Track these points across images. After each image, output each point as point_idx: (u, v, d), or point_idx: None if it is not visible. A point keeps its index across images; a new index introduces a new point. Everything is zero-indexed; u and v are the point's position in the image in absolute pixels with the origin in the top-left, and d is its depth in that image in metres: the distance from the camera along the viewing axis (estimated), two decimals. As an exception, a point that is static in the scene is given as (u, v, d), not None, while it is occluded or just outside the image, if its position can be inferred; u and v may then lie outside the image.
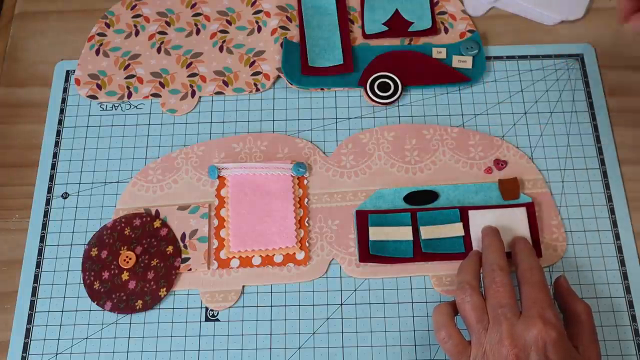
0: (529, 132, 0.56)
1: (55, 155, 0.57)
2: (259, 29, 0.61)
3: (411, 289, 0.51)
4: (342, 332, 0.50)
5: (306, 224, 0.53)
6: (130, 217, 0.53)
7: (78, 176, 0.56)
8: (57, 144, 0.57)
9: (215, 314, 0.51)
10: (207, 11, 0.62)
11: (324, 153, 0.56)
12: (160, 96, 0.58)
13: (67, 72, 0.60)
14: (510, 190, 0.53)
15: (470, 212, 0.52)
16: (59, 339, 0.50)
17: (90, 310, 0.51)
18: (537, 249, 0.51)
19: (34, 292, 0.52)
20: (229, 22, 0.62)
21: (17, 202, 0.55)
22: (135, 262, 0.51)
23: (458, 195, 0.53)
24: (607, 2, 0.63)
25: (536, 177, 0.54)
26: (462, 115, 0.57)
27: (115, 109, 0.58)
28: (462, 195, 0.53)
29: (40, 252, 0.53)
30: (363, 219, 0.52)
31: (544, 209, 0.53)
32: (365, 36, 0.60)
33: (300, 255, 0.52)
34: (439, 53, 0.59)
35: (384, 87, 0.57)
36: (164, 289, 0.51)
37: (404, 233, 0.51)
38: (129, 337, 0.50)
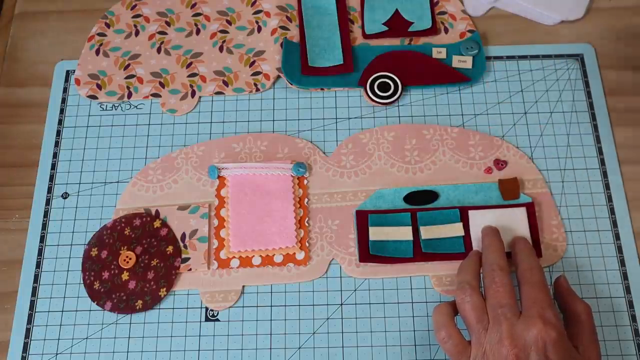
0: (529, 132, 0.56)
1: (55, 155, 0.57)
2: (259, 29, 0.61)
3: (411, 289, 0.51)
4: (342, 332, 0.50)
5: (306, 224, 0.53)
6: (130, 217, 0.53)
7: (78, 176, 0.56)
8: (57, 144, 0.57)
9: (215, 314, 0.51)
10: (207, 11, 0.62)
11: (324, 153, 0.56)
12: (160, 96, 0.58)
13: (67, 72, 0.60)
14: (510, 190, 0.53)
15: (470, 212, 0.52)
16: (59, 339, 0.50)
17: (90, 310, 0.51)
18: (537, 249, 0.51)
19: (34, 292, 0.52)
20: (229, 22, 0.62)
21: (17, 202, 0.55)
22: (135, 262, 0.51)
23: (458, 195, 0.53)
24: (607, 2, 0.63)
25: (536, 177, 0.54)
26: (462, 115, 0.57)
27: (115, 109, 0.58)
28: (462, 195, 0.53)
29: (40, 252, 0.53)
30: (363, 219, 0.52)
31: (544, 209, 0.53)
32: (365, 36, 0.60)
33: (300, 255, 0.52)
34: (439, 53, 0.59)
35: (384, 87, 0.57)
36: (164, 289, 0.51)
37: (404, 233, 0.51)
38: (129, 337, 0.50)
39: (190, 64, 0.60)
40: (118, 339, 0.50)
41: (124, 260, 0.51)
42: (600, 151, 0.56)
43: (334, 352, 0.49)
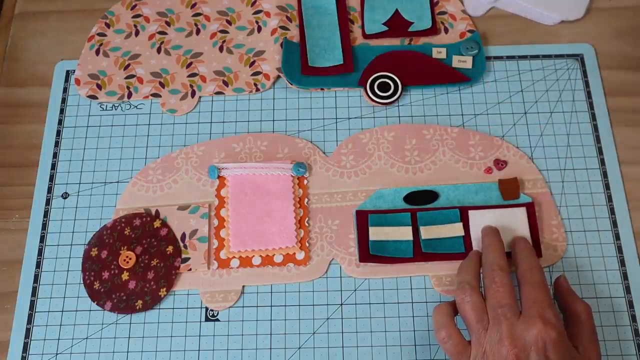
0: (529, 132, 0.56)
1: (55, 155, 0.57)
2: (259, 29, 0.61)
3: (411, 289, 0.51)
4: (342, 332, 0.50)
5: (306, 224, 0.53)
6: (130, 217, 0.53)
7: (78, 176, 0.56)
8: (57, 144, 0.57)
9: (215, 314, 0.51)
10: (207, 11, 0.62)
11: (324, 153, 0.56)
12: (160, 96, 0.58)
13: (67, 72, 0.60)
14: (510, 190, 0.53)
15: (470, 212, 0.52)
16: (59, 339, 0.50)
17: (90, 310, 0.51)
18: (537, 249, 0.51)
19: (34, 292, 0.52)
20: (229, 22, 0.62)
21: (17, 202, 0.55)
22: (135, 262, 0.51)
23: (458, 195, 0.53)
24: (607, 2, 0.63)
25: (536, 177, 0.54)
26: (462, 115, 0.57)
27: (115, 109, 0.58)
28: (462, 195, 0.53)
29: (40, 252, 0.53)
30: (363, 219, 0.52)
31: (544, 209, 0.53)
32: (365, 36, 0.60)
33: (300, 255, 0.52)
34: (439, 53, 0.59)
35: (384, 87, 0.57)
36: (164, 289, 0.51)
37: (404, 233, 0.51)
38: (129, 337, 0.50)
39: (190, 64, 0.60)
40: (118, 339, 0.50)
41: (124, 260, 0.51)
42: (600, 151, 0.56)
43: (334, 352, 0.49)
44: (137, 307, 0.50)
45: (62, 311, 0.51)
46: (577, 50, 0.60)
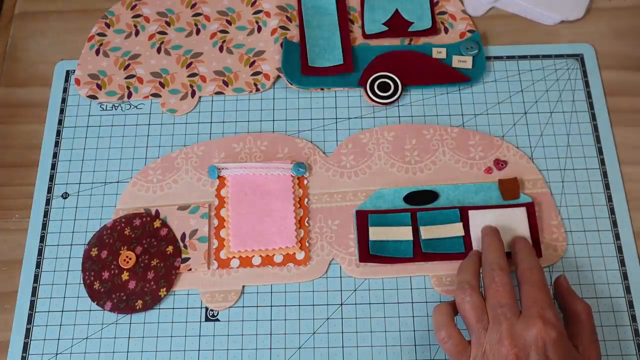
0: (529, 132, 0.56)
1: (55, 155, 0.57)
2: (259, 29, 0.61)
3: (411, 289, 0.51)
4: (342, 332, 0.50)
5: (306, 224, 0.53)
6: (130, 217, 0.53)
7: (78, 176, 0.56)
8: (57, 144, 0.57)
9: (215, 314, 0.51)
10: (207, 11, 0.62)
11: (324, 153, 0.56)
12: (160, 96, 0.58)
13: (67, 72, 0.60)
14: (510, 190, 0.53)
15: (470, 212, 0.52)
16: (59, 339, 0.50)
17: (90, 310, 0.51)
18: (537, 249, 0.51)
19: (34, 292, 0.52)
20: (229, 22, 0.62)
21: (17, 202, 0.55)
22: (135, 262, 0.51)
23: (458, 195, 0.53)
24: (607, 2, 0.63)
25: (536, 177, 0.54)
26: (462, 115, 0.57)
27: (115, 109, 0.58)
28: (462, 195, 0.53)
29: (40, 252, 0.53)
30: (363, 219, 0.52)
31: (544, 209, 0.53)
32: (365, 36, 0.60)
33: (300, 255, 0.52)
34: (439, 53, 0.59)
35: (384, 87, 0.57)
36: (164, 289, 0.51)
37: (404, 233, 0.51)
38: (129, 337, 0.50)
39: (190, 64, 0.60)
40: (118, 339, 0.50)
41: (124, 260, 0.51)
42: (600, 151, 0.56)
43: (334, 352, 0.49)
44: (137, 307, 0.50)
45: (62, 311, 0.51)
46: (577, 50, 0.60)
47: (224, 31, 0.61)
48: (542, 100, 0.58)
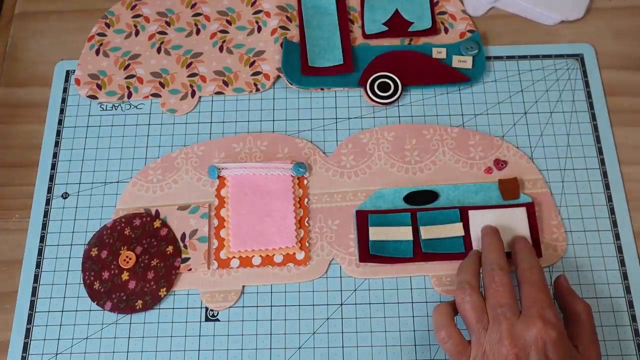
0: (529, 132, 0.56)
1: (55, 155, 0.57)
2: (259, 29, 0.61)
3: (411, 289, 0.51)
4: (342, 332, 0.50)
5: (306, 224, 0.53)
6: (130, 217, 0.53)
7: (78, 176, 0.56)
8: (57, 144, 0.57)
9: (215, 314, 0.51)
10: (207, 11, 0.62)
11: (324, 153, 0.56)
12: (160, 96, 0.58)
13: (67, 72, 0.60)
14: (510, 190, 0.53)
15: (470, 212, 0.52)
16: (59, 339, 0.50)
17: (90, 310, 0.51)
18: (537, 249, 0.51)
19: (34, 292, 0.52)
20: (229, 22, 0.62)
21: (17, 202, 0.55)
22: (135, 262, 0.51)
23: (458, 195, 0.53)
24: (607, 2, 0.63)
25: (536, 177, 0.54)
26: (462, 115, 0.57)
27: (115, 109, 0.58)
28: (462, 195, 0.53)
29: (40, 252, 0.53)
30: (363, 219, 0.52)
31: (544, 209, 0.53)
32: (365, 36, 0.60)
33: (300, 255, 0.52)
34: (439, 53, 0.59)
35: (384, 87, 0.57)
36: (164, 289, 0.51)
37: (404, 233, 0.51)
38: (129, 337, 0.50)
39: (190, 64, 0.60)
40: (118, 339, 0.50)
41: (124, 260, 0.51)
42: (600, 151, 0.56)
43: (334, 352, 0.49)
44: (137, 307, 0.50)
45: (62, 311, 0.51)
46: (577, 50, 0.60)
47: (224, 31, 0.61)
48: (542, 100, 0.58)
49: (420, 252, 0.51)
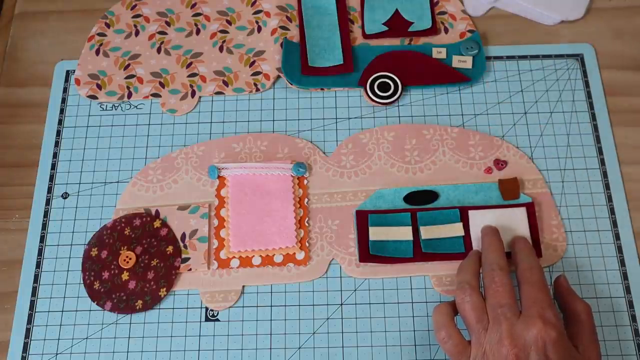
0: (529, 132, 0.56)
1: (55, 155, 0.57)
2: (259, 29, 0.61)
3: (411, 289, 0.51)
4: (342, 332, 0.50)
5: (306, 224, 0.53)
6: (130, 217, 0.53)
7: (78, 176, 0.56)
8: (57, 144, 0.57)
9: (215, 314, 0.51)
10: (207, 11, 0.62)
11: (324, 153, 0.56)
12: (160, 96, 0.58)
13: (67, 72, 0.60)
14: (510, 190, 0.53)
15: (470, 212, 0.52)
16: (59, 339, 0.50)
17: (90, 310, 0.51)
18: (537, 249, 0.51)
19: (34, 292, 0.52)
20: (229, 22, 0.62)
21: (17, 202, 0.55)
22: (135, 262, 0.51)
23: (458, 195, 0.53)
24: (607, 2, 0.63)
25: (536, 177, 0.54)
26: (462, 115, 0.57)
27: (115, 109, 0.58)
28: (462, 195, 0.53)
29: (40, 252, 0.53)
30: (363, 219, 0.52)
31: (544, 209, 0.53)
32: (365, 36, 0.60)
33: (300, 255, 0.52)
34: (439, 53, 0.59)
35: (384, 87, 0.57)
36: (164, 289, 0.51)
37: (404, 233, 0.51)
38: (129, 337, 0.50)
39: (190, 64, 0.60)
40: (118, 339, 0.50)
41: (124, 260, 0.51)
42: (600, 151, 0.56)
43: (334, 352, 0.49)
44: (137, 307, 0.50)
45: (62, 311, 0.51)
46: (577, 50, 0.60)
47: (224, 31, 0.61)
48: (542, 100, 0.58)
49: (420, 252, 0.51)
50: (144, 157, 0.56)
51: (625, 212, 0.53)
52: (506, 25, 0.62)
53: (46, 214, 0.54)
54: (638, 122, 0.57)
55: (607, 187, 0.54)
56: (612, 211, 0.53)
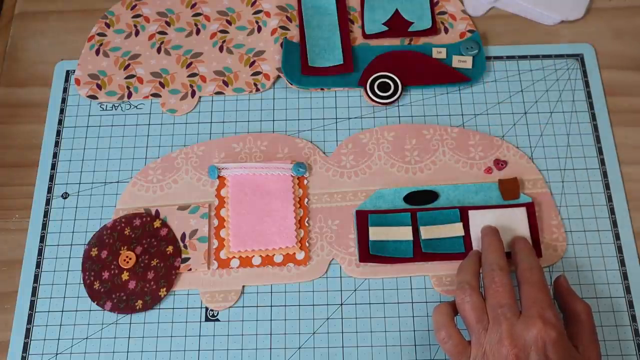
0: (529, 132, 0.56)
1: (55, 155, 0.57)
2: (259, 29, 0.61)
3: (411, 289, 0.51)
4: (342, 332, 0.50)
5: (306, 224, 0.53)
6: (130, 217, 0.53)
7: (78, 176, 0.56)
8: (57, 144, 0.57)
9: (215, 314, 0.51)
10: (207, 11, 0.62)
11: (324, 153, 0.56)
12: (160, 96, 0.58)
13: (67, 72, 0.60)
14: (510, 190, 0.53)
15: (470, 212, 0.52)
16: (59, 339, 0.50)
17: (90, 310, 0.51)
18: (537, 249, 0.51)
19: (34, 292, 0.52)
20: (229, 22, 0.62)
21: (17, 202, 0.55)
22: (135, 262, 0.51)
23: (458, 195, 0.53)
24: (607, 2, 0.63)
25: (536, 177, 0.54)
26: (462, 115, 0.57)
27: (115, 109, 0.58)
28: (462, 195, 0.53)
29: (40, 252, 0.53)
30: (363, 219, 0.52)
31: (544, 209, 0.53)
32: (365, 36, 0.60)
33: (300, 255, 0.52)
34: (439, 53, 0.59)
35: (384, 87, 0.57)
36: (164, 289, 0.51)
37: (404, 233, 0.51)
38: (129, 337, 0.50)
39: (190, 64, 0.60)
40: (118, 339, 0.50)
41: (124, 260, 0.51)
42: (600, 151, 0.56)
43: (334, 352, 0.49)
44: (137, 307, 0.50)
45: (62, 311, 0.51)
46: (577, 50, 0.60)
47: (224, 31, 0.61)
48: (542, 100, 0.58)
49: (420, 252, 0.51)
50: (144, 157, 0.56)
51: (625, 212, 0.53)
52: (506, 25, 0.62)
53: (46, 214, 0.54)
54: (638, 122, 0.57)
55: (607, 187, 0.54)
56: (612, 211, 0.53)
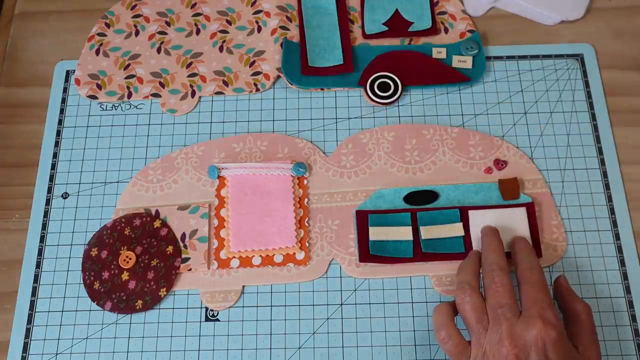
0: (529, 132, 0.56)
1: (55, 155, 0.57)
2: (259, 29, 0.61)
3: (411, 289, 0.51)
4: (342, 332, 0.50)
5: (306, 224, 0.53)
6: (130, 217, 0.53)
7: (78, 176, 0.56)
8: (57, 144, 0.57)
9: (215, 314, 0.51)
10: (207, 11, 0.62)
11: (324, 153, 0.56)
12: (160, 96, 0.58)
13: (67, 72, 0.60)
14: (510, 190, 0.53)
15: (470, 212, 0.52)
16: (59, 339, 0.50)
17: (90, 310, 0.51)
18: (537, 249, 0.51)
19: (34, 292, 0.52)
20: (229, 22, 0.62)
21: (17, 202, 0.55)
22: (135, 262, 0.51)
23: (458, 195, 0.53)
24: (607, 2, 0.63)
25: (536, 177, 0.54)
26: (462, 115, 0.57)
27: (115, 109, 0.58)
28: (462, 195, 0.53)
29: (40, 252, 0.53)
30: (363, 219, 0.52)
31: (544, 209, 0.53)
32: (365, 36, 0.60)
33: (300, 255, 0.52)
34: (439, 53, 0.59)
35: (384, 87, 0.57)
36: (164, 289, 0.51)
37: (404, 233, 0.51)
38: (129, 337, 0.50)
39: (190, 64, 0.60)
40: (118, 339, 0.50)
41: (124, 260, 0.51)
42: (600, 151, 0.56)
43: (334, 352, 0.49)
44: (137, 307, 0.50)
45: (62, 311, 0.51)
46: (577, 50, 0.60)
47: (224, 31, 0.61)
48: (542, 100, 0.58)
49: (420, 252, 0.51)
50: (144, 157, 0.56)
51: (625, 212, 0.53)
52: (506, 25, 0.62)
53: (46, 214, 0.54)
54: (638, 122, 0.57)
55: (607, 187, 0.54)
56: (612, 211, 0.53)
